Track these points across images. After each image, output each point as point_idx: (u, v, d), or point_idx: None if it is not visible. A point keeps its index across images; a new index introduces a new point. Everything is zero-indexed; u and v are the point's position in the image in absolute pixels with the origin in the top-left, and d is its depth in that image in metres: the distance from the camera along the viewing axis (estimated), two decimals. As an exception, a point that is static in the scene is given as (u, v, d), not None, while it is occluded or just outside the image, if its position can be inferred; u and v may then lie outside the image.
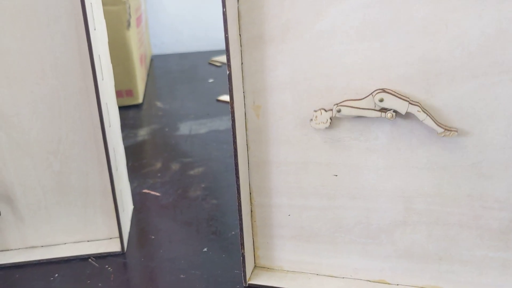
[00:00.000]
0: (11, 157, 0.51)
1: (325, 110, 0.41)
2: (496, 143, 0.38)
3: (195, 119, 0.89)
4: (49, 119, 0.50)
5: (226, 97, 0.98)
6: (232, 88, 0.40)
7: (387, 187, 0.42)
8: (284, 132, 0.44)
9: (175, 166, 0.72)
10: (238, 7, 0.40)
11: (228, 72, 0.40)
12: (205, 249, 0.54)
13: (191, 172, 0.70)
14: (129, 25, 0.90)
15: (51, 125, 0.50)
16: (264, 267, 0.49)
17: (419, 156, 0.41)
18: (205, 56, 1.26)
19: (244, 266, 0.47)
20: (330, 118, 0.41)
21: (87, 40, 0.45)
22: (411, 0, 0.36)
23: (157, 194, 0.65)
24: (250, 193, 0.47)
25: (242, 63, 0.42)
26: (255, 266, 0.49)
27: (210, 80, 1.09)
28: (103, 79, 0.50)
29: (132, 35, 0.92)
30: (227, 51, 0.39)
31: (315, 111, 0.41)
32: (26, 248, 0.55)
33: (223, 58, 1.24)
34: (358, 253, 0.46)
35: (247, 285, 0.48)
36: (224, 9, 0.38)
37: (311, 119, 0.42)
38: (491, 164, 0.39)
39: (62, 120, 0.50)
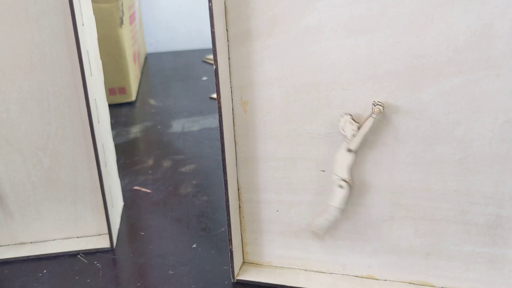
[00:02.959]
0: (0, 153, 0.51)
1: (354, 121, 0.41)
2: (482, 139, 0.38)
3: (188, 116, 0.89)
4: (38, 114, 0.50)
5: (219, 95, 0.98)
6: (219, 83, 0.40)
7: (374, 183, 0.42)
8: (271, 127, 0.44)
9: (166, 163, 0.72)
10: (224, 1, 0.40)
11: (214, 67, 0.40)
12: (195, 245, 0.53)
13: (183, 169, 0.70)
14: (121, 22, 0.90)
15: (40, 121, 0.50)
16: (252, 263, 0.49)
17: (406, 151, 0.41)
18: (199, 54, 1.26)
19: (232, 262, 0.47)
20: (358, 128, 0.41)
21: (74, 35, 0.45)
22: (398, -5, 0.36)
23: (148, 191, 0.65)
24: (238, 189, 0.47)
25: (229, 58, 0.42)
26: (243, 262, 0.49)
27: (204, 78, 1.09)
28: (91, 75, 0.50)
29: (125, 33, 0.92)
30: (213, 46, 0.39)
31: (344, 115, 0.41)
32: (15, 244, 0.54)
33: (217, 56, 1.24)
34: (346, 249, 0.46)
35: (235, 280, 0.48)
36: (210, 4, 0.38)
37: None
38: (477, 159, 0.39)
39: (51, 115, 0.50)
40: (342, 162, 0.42)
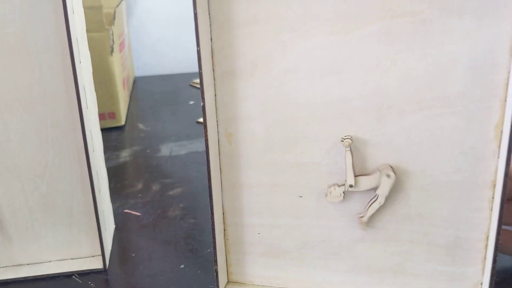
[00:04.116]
0: (0, 180, 0.54)
1: (338, 186, 0.45)
2: (441, 168, 0.43)
3: (175, 140, 0.93)
4: (37, 144, 0.53)
5: (205, 119, 1.02)
6: (206, 118, 0.44)
7: (347, 207, 0.47)
8: (254, 157, 0.48)
9: (155, 187, 0.75)
10: (211, 45, 0.44)
11: (202, 104, 0.44)
12: (182, 266, 0.57)
13: (171, 193, 0.74)
14: (112, 50, 0.94)
15: (39, 150, 0.54)
16: (236, 282, 0.53)
17: (375, 178, 0.45)
18: (186, 78, 1.30)
19: (217, 282, 0.50)
20: (343, 193, 0.46)
21: (73, 73, 0.49)
22: (365, 42, 0.41)
23: (138, 214, 0.68)
24: (224, 213, 0.51)
25: (215, 95, 0.46)
26: (228, 281, 0.53)
27: (191, 102, 1.13)
28: (87, 108, 0.53)
29: (115, 60, 0.96)
30: (201, 85, 0.43)
31: (329, 186, 0.46)
32: (14, 265, 0.58)
33: (203, 81, 1.28)
34: (322, 268, 0.50)
35: None
36: (198, 48, 0.42)
37: (326, 194, 0.46)
38: (437, 186, 0.44)
39: (49, 145, 0.54)
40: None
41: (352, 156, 0.44)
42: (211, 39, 0.44)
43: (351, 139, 0.43)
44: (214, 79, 0.46)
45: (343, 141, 0.43)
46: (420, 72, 0.40)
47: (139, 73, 1.38)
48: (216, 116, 0.47)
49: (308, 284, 0.51)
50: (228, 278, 0.53)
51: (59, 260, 0.58)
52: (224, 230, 0.51)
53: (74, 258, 0.58)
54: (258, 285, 0.53)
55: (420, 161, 0.43)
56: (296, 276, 0.51)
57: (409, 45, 0.40)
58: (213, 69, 0.45)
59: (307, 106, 0.44)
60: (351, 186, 0.45)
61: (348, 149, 0.43)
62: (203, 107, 0.44)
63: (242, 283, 0.53)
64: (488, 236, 0.44)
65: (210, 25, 0.44)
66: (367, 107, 0.43)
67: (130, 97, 1.17)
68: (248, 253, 0.52)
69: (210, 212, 0.48)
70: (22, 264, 0.58)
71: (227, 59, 0.45)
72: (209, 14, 0.44)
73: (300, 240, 0.49)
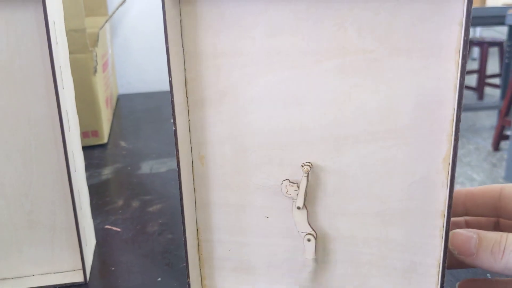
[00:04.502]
0: (-14, 198, 0.57)
1: (290, 183, 0.49)
2: (395, 196, 0.47)
3: (156, 158, 0.96)
4: (22, 165, 0.57)
5: (186, 137, 1.06)
6: (177, 142, 0.48)
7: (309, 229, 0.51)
8: (224, 178, 0.51)
9: (135, 204, 0.79)
10: (185, 74, 0.48)
11: (174, 129, 0.48)
12: (159, 279, 0.61)
13: (150, 209, 0.77)
14: (95, 71, 0.98)
15: (23, 171, 0.57)
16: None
17: (335, 203, 0.49)
18: (169, 96, 1.34)
19: None
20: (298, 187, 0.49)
21: (56, 99, 0.53)
22: (323, 76, 0.45)
23: (118, 229, 0.72)
24: (197, 230, 0.54)
25: (189, 120, 0.50)
26: None
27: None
28: (69, 130, 0.57)
29: (99, 80, 1.00)
30: (172, 111, 0.47)
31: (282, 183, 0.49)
32: (-2, 279, 0.61)
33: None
34: (286, 285, 0.53)
35: None
36: (170, 78, 0.46)
37: (281, 189, 0.50)
38: (392, 213, 0.47)
39: (33, 166, 0.57)
40: (300, 219, 0.49)
41: (307, 182, 0.48)
42: (185, 69, 0.48)
43: (310, 166, 0.47)
44: (188, 106, 0.50)
45: (302, 167, 0.47)
46: (373, 106, 0.45)
47: (122, 90, 1.41)
48: (190, 139, 0.51)
49: (275, 298, 0.55)
50: None
51: (42, 274, 0.61)
52: (198, 245, 0.55)
53: (56, 272, 0.62)
54: None
55: (375, 189, 0.47)
56: (264, 291, 0.55)
57: (362, 81, 0.44)
58: (186, 96, 0.49)
59: (272, 133, 0.48)
60: (298, 208, 0.48)
61: (305, 175, 0.47)
62: (175, 132, 0.48)
63: None
64: (439, 263, 0.48)
65: (183, 56, 0.48)
66: (325, 136, 0.47)
67: (114, 114, 1.20)
68: (220, 268, 0.55)
69: (182, 230, 0.51)
70: (6, 278, 0.61)
71: (199, 88, 0.49)
72: (182, 47, 0.48)
73: (268, 258, 0.53)
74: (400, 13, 0.42)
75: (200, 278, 0.56)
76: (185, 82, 0.49)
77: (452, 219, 0.50)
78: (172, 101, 0.47)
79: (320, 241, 0.50)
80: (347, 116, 0.46)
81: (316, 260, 0.51)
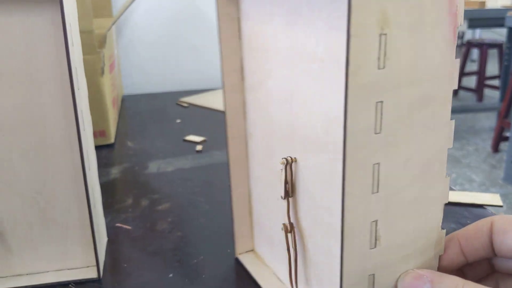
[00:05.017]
0: (2, 196, 0.59)
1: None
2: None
3: (163, 158, 0.98)
4: (37, 163, 0.58)
5: (192, 137, 1.07)
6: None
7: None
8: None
9: (144, 202, 0.80)
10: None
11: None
12: (171, 275, 0.62)
13: (159, 208, 0.78)
14: (103, 72, 0.99)
15: (39, 169, 0.58)
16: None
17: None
18: (172, 97, 1.36)
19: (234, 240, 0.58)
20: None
21: (72, 99, 0.54)
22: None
23: (129, 227, 0.73)
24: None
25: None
26: (252, 250, 0.60)
27: (178, 121, 1.18)
28: (84, 130, 0.58)
29: (106, 81, 1.01)
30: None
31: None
32: (13, 276, 0.62)
33: (190, 99, 1.34)
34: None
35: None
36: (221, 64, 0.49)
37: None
38: None
39: (48, 164, 0.58)
40: (280, 209, 0.51)
41: (286, 175, 0.47)
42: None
43: (288, 160, 0.47)
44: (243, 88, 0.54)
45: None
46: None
47: (127, 91, 1.43)
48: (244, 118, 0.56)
49: None
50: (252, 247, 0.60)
51: (56, 270, 0.63)
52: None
53: (70, 269, 0.63)
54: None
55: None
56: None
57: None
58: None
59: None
60: (281, 197, 0.48)
61: (282, 168, 0.47)
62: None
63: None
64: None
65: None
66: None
67: (119, 115, 1.22)
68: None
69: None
70: (21, 274, 0.62)
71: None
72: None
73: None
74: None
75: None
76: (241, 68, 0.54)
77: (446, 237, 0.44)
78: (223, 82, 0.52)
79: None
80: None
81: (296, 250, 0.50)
